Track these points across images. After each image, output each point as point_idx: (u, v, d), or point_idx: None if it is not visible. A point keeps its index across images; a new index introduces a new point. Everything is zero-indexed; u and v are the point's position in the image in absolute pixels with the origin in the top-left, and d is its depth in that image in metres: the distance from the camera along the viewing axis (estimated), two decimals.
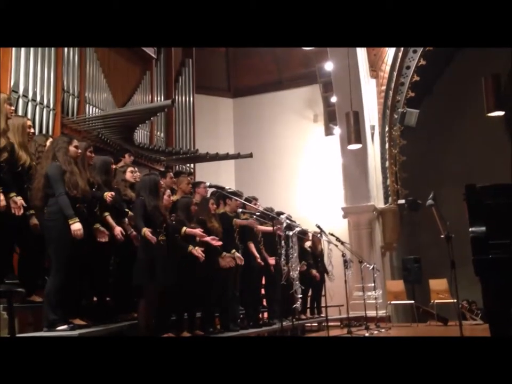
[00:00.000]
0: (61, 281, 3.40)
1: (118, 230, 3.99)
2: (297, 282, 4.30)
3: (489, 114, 6.54)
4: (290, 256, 4.26)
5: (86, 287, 4.11)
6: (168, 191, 4.51)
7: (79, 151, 3.75)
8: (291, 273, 4.31)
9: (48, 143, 4.10)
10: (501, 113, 6.55)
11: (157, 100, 9.08)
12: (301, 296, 4.47)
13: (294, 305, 4.37)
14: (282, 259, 3.95)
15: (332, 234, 7.77)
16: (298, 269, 4.29)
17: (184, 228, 4.32)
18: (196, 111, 10.78)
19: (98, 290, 4.23)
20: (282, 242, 4.04)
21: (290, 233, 4.20)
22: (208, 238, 4.42)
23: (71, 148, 3.65)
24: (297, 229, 4.44)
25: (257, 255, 5.35)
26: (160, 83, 9.13)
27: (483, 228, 3.26)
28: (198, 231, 4.36)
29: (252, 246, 5.33)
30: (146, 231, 3.82)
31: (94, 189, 3.91)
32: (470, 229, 3.29)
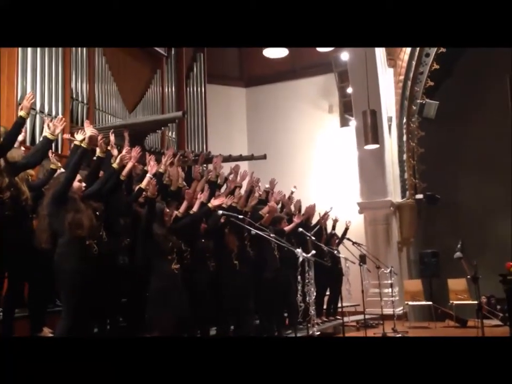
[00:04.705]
0: (71, 324, 3.30)
1: None
2: (313, 308, 4.16)
3: None
4: (307, 281, 4.11)
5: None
6: (175, 212, 4.38)
7: (83, 184, 3.49)
8: (307, 298, 4.17)
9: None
10: None
11: (168, 92, 8.96)
12: (318, 321, 4.34)
13: (312, 331, 4.24)
14: (298, 295, 3.79)
15: (348, 239, 7.62)
16: (315, 294, 4.14)
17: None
18: (208, 101, 10.57)
19: (111, 315, 4.19)
20: (299, 270, 3.88)
21: (304, 257, 4.00)
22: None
23: (75, 184, 3.39)
24: (313, 251, 4.27)
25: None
26: (171, 80, 8.93)
27: None
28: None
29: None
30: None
31: None
32: None
